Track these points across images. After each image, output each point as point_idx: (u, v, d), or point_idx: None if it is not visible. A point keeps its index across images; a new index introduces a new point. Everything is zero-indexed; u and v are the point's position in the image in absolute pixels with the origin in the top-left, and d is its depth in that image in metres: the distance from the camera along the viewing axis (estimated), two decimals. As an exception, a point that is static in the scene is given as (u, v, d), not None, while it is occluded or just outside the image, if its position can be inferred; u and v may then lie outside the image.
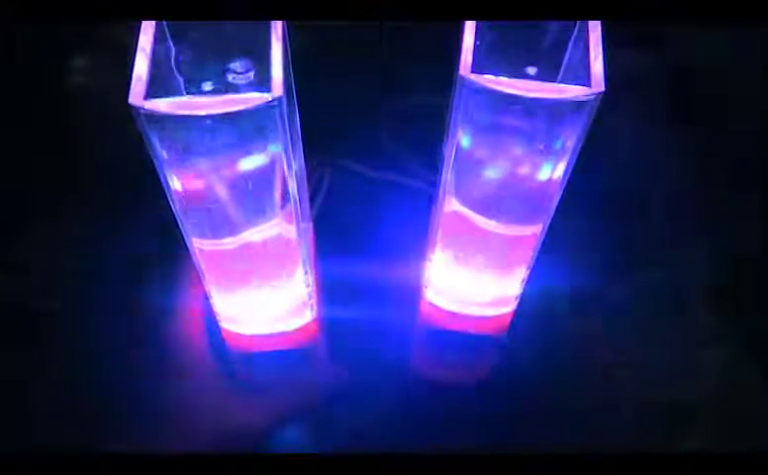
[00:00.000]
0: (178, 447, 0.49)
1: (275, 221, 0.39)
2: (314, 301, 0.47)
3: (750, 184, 0.63)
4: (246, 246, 0.40)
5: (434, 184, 0.42)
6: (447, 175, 0.39)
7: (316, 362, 0.54)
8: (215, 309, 0.46)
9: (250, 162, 0.34)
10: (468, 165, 0.38)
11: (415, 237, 0.50)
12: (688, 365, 0.55)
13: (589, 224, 0.59)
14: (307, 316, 0.48)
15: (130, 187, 0.60)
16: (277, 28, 0.33)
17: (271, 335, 0.48)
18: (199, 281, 0.43)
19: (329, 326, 0.53)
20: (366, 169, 0.64)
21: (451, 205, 0.41)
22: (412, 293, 0.52)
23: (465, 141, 0.36)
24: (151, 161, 0.33)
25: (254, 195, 0.36)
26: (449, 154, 0.38)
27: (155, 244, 0.57)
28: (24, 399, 0.51)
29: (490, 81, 0.32)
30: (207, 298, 0.45)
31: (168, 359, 0.54)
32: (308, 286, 0.45)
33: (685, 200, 0.64)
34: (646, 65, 0.68)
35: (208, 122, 0.31)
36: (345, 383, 0.54)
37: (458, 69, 0.33)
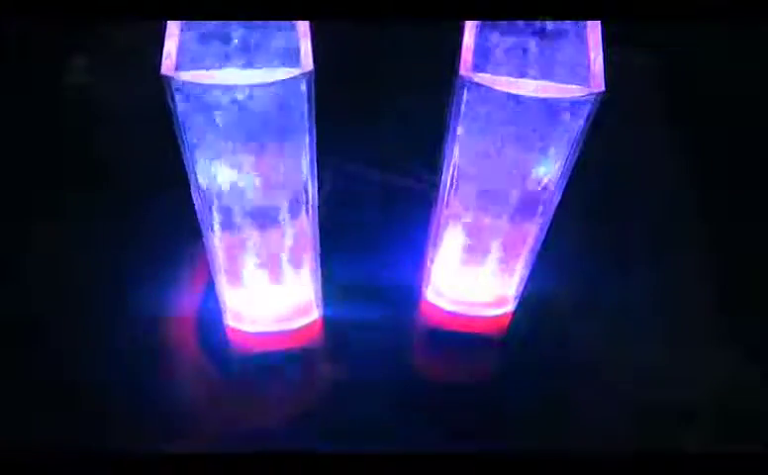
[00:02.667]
0: (178, 447, 0.49)
1: (293, 216, 0.39)
2: (320, 299, 0.48)
3: (750, 184, 0.63)
4: (264, 240, 0.40)
5: (435, 184, 0.42)
6: (448, 175, 0.39)
7: (316, 362, 0.54)
8: (223, 305, 0.46)
9: (276, 143, 0.34)
10: (468, 165, 0.38)
11: (415, 238, 0.50)
12: (688, 365, 0.55)
13: (589, 224, 0.59)
14: (313, 314, 0.48)
15: (129, 187, 0.60)
16: None
17: (276, 333, 0.48)
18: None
19: (329, 326, 0.53)
20: (366, 170, 0.64)
21: (452, 205, 0.41)
22: (412, 293, 0.52)
23: (465, 140, 0.36)
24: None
25: (277, 180, 0.36)
26: (450, 154, 0.38)
27: (156, 244, 0.57)
28: (23, 399, 0.51)
29: (490, 81, 0.32)
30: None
31: (170, 360, 0.54)
32: (316, 284, 0.46)
33: (685, 200, 0.64)
34: (646, 65, 0.68)
35: (237, 94, 0.31)
36: (346, 383, 0.54)
37: (458, 69, 0.33)
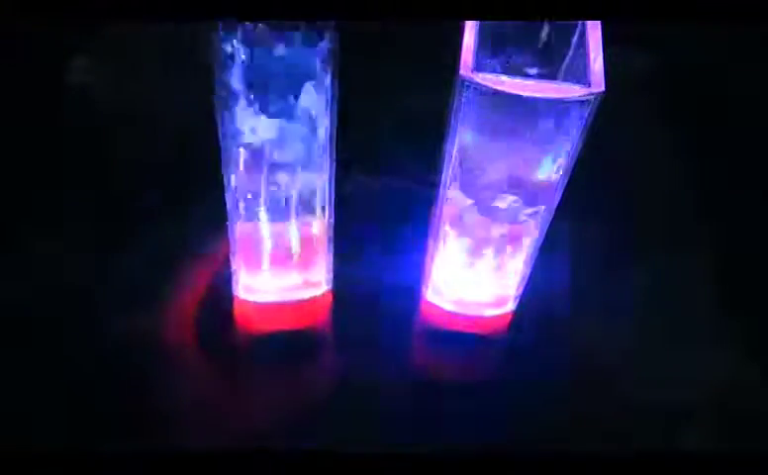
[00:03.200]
0: (178, 445, 0.49)
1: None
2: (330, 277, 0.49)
3: (750, 184, 0.63)
4: (284, 230, 0.42)
5: (435, 184, 0.42)
6: (448, 175, 0.39)
7: (316, 363, 0.54)
8: (235, 277, 0.46)
9: (300, 103, 0.36)
10: (469, 165, 0.38)
11: (415, 238, 0.50)
12: (688, 365, 0.55)
13: (589, 224, 0.59)
14: (322, 288, 0.49)
15: (129, 187, 0.60)
16: None
17: (286, 303, 0.48)
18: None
19: (328, 326, 0.53)
20: (366, 170, 0.64)
21: (452, 205, 0.41)
22: (412, 293, 0.52)
23: (466, 140, 0.36)
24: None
25: (300, 146, 0.38)
26: (450, 154, 0.38)
27: (156, 242, 0.57)
28: (23, 399, 0.51)
29: (490, 81, 0.32)
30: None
31: (172, 354, 0.54)
32: (328, 263, 0.47)
33: (685, 200, 0.64)
34: (646, 65, 0.68)
35: (268, 36, 0.33)
36: (345, 382, 0.54)
37: (458, 69, 0.33)
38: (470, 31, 0.34)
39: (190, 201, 0.50)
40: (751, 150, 0.64)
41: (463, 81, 0.33)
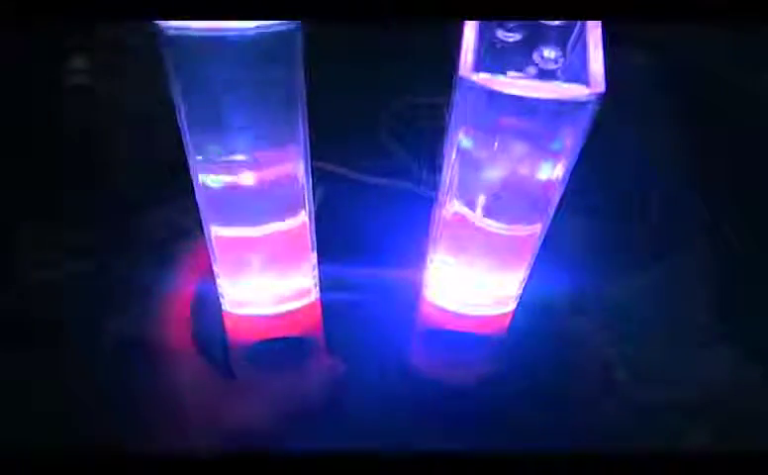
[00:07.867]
0: (176, 447, 0.49)
1: (291, 208, 0.40)
2: (317, 281, 0.48)
3: (750, 184, 0.63)
4: (263, 236, 0.41)
5: (435, 184, 0.42)
6: (448, 175, 0.39)
7: (315, 362, 0.54)
8: (220, 290, 0.46)
9: (266, 94, 0.34)
10: (468, 165, 0.38)
11: (415, 237, 0.50)
12: (688, 365, 0.55)
13: (589, 224, 0.59)
14: (311, 296, 0.48)
15: (129, 187, 0.60)
16: None
17: (275, 316, 0.48)
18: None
19: (328, 326, 0.53)
20: (366, 169, 0.64)
21: (452, 205, 0.41)
22: (412, 293, 0.52)
23: (465, 141, 0.36)
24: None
25: (269, 146, 0.37)
26: (449, 155, 0.38)
27: (154, 243, 0.57)
28: (22, 399, 0.51)
29: (490, 81, 0.32)
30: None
31: (165, 357, 0.54)
32: (314, 269, 0.46)
33: (685, 200, 0.64)
34: (646, 65, 0.68)
35: (227, 41, 0.31)
36: (345, 382, 0.54)
37: (458, 69, 0.33)
38: (470, 31, 0.34)
39: (189, 200, 0.50)
40: (751, 150, 0.64)
41: (463, 81, 0.33)
